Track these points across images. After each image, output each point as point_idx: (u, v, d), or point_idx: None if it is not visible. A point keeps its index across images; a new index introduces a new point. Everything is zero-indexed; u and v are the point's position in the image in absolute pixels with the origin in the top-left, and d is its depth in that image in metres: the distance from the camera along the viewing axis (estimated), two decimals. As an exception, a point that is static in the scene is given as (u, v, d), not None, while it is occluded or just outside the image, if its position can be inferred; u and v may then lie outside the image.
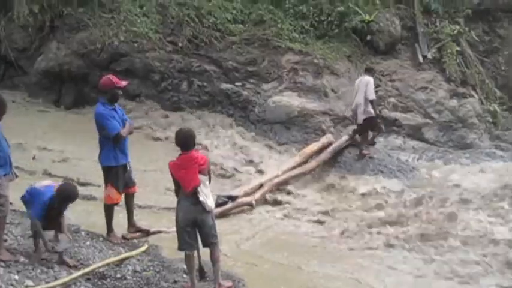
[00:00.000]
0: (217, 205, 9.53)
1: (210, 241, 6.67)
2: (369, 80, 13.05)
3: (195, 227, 6.56)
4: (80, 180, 10.41)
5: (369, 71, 13.86)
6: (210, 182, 6.82)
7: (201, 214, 6.49)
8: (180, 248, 6.60)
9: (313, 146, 12.75)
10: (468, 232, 9.10)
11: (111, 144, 7.76)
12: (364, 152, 12.73)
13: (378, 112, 13.34)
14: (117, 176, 7.87)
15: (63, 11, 16.63)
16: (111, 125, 7.72)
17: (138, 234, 8.24)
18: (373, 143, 13.63)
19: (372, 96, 12.80)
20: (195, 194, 6.44)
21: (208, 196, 6.56)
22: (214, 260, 6.67)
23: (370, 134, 13.26)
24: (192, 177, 6.47)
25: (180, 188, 6.59)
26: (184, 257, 6.60)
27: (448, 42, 16.71)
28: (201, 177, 6.51)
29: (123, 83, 8.06)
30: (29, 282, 5.92)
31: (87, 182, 10.47)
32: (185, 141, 6.65)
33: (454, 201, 10.57)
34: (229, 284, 6.83)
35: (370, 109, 12.81)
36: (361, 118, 12.85)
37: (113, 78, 8.03)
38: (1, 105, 6.41)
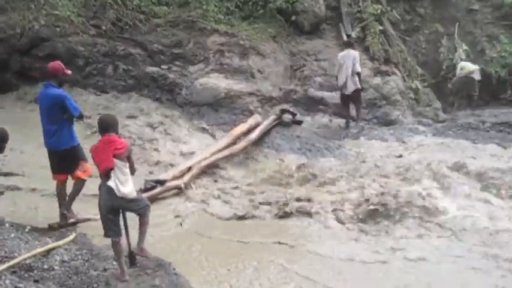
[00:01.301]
0: (146, 190, 9.55)
1: (140, 212, 6.76)
2: (356, 53, 14.58)
3: (115, 213, 6.55)
4: (1, 170, 10.13)
5: (351, 44, 14.91)
6: (133, 172, 6.80)
7: (116, 201, 6.47)
8: (105, 235, 6.60)
9: (242, 127, 12.83)
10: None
11: (69, 125, 8.15)
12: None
13: (363, 86, 14.71)
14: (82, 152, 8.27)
15: (-21, -6, 16.01)
16: (75, 105, 8.16)
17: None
18: (299, 122, 13.96)
19: (359, 69, 14.39)
20: (108, 178, 6.43)
21: (124, 183, 6.52)
22: (141, 223, 6.85)
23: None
24: (105, 159, 6.45)
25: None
26: (111, 244, 6.58)
27: (371, 21, 17.05)
28: (117, 161, 6.49)
29: (69, 71, 8.63)
30: None
31: (9, 172, 10.21)
32: (104, 125, 6.74)
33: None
34: (150, 255, 7.00)
35: (358, 82, 14.27)
36: (351, 90, 14.29)
37: (61, 64, 8.50)
38: None
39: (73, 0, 15.77)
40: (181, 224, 9.00)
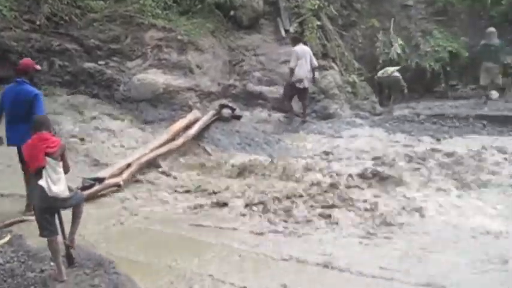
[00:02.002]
0: (84, 188, 9.40)
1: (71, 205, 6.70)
2: (309, 49, 15.11)
3: (52, 212, 6.46)
4: None
5: (300, 40, 15.34)
6: (67, 171, 6.71)
7: (49, 201, 6.38)
8: (41, 235, 6.49)
9: (181, 123, 12.79)
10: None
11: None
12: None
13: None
14: None
15: None
16: (42, 107, 8.45)
17: None
18: (238, 117, 14.07)
19: (316, 63, 15.13)
20: (40, 177, 6.34)
21: (56, 182, 6.41)
22: (75, 213, 6.81)
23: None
24: (37, 157, 6.35)
25: None
26: (48, 244, 6.48)
27: (308, 16, 17.22)
28: (49, 160, 6.39)
29: (38, 66, 9.11)
30: None
31: None
32: (36, 124, 6.66)
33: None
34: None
35: (313, 78, 15.13)
36: (305, 85, 14.82)
37: (31, 60, 8.97)
38: None
39: (5, -6, 15.34)
40: (121, 222, 8.91)
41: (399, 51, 18.76)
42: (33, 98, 8.39)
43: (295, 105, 15.25)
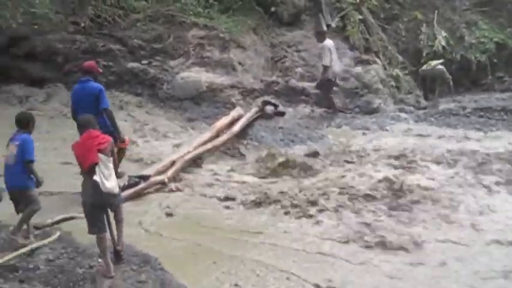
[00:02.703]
0: (129, 186, 9.52)
1: (114, 209, 6.77)
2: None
3: (102, 209, 6.55)
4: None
5: (325, 34, 15.15)
6: (117, 167, 6.83)
7: (101, 197, 6.47)
8: (90, 232, 6.58)
9: (224, 120, 12.83)
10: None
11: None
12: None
13: None
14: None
15: (-47, -7, 15.81)
16: (106, 99, 9.33)
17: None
18: (282, 114, 14.05)
19: None
20: (93, 173, 6.42)
21: (108, 177, 6.52)
22: (118, 220, 6.84)
23: None
24: (89, 154, 6.44)
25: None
26: (96, 241, 6.58)
27: (350, 11, 17.12)
28: (101, 156, 6.49)
29: (101, 70, 10.28)
30: None
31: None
32: (83, 123, 6.82)
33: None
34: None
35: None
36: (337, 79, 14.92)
37: (95, 63, 9.96)
38: None
39: (50, -3, 15.64)
40: (168, 214, 8.99)
41: (443, 43, 18.46)
42: (98, 92, 9.16)
43: (339, 100, 15.18)
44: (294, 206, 9.16)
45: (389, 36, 18.60)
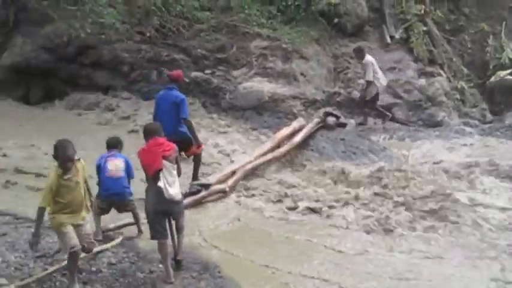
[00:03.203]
0: (191, 194, 9.61)
1: (176, 216, 6.85)
2: None
3: (164, 215, 6.63)
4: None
5: (363, 50, 14.84)
6: (179, 174, 6.92)
7: (165, 203, 6.55)
8: (152, 237, 6.68)
9: (285, 130, 12.79)
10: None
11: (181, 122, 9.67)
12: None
13: None
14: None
15: (27, 4, 16.36)
16: (186, 110, 9.82)
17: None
18: (343, 125, 13.94)
19: None
20: (157, 180, 6.51)
21: (171, 184, 6.63)
22: (179, 228, 6.93)
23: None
24: (154, 161, 6.54)
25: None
26: (158, 246, 6.65)
27: (414, 22, 16.89)
28: (165, 163, 6.60)
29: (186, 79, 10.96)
30: (3, 281, 5.91)
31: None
32: (148, 131, 6.98)
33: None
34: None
35: None
36: None
37: (181, 72, 10.47)
38: None
39: (118, 8, 16.00)
40: (228, 223, 9.04)
41: (511, 56, 17.94)
42: (180, 101, 9.64)
43: (402, 113, 14.98)
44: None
45: (454, 48, 18.23)
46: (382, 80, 14.54)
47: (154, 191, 6.55)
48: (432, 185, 10.14)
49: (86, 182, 6.44)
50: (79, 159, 6.28)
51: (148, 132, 6.95)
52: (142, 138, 7.15)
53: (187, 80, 11.05)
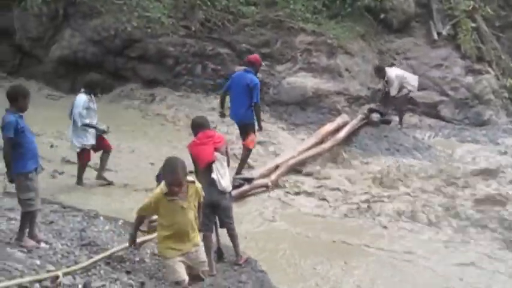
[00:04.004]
0: (234, 187, 9.61)
1: (225, 221, 6.83)
2: None
3: (212, 208, 6.66)
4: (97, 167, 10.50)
5: (383, 68, 14.32)
6: (228, 164, 6.95)
7: (216, 195, 6.59)
8: (199, 229, 6.69)
9: (329, 126, 12.75)
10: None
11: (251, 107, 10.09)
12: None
13: None
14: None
15: (75, -2, 16.67)
16: (258, 94, 10.11)
17: None
18: (388, 122, 13.83)
19: None
20: (209, 172, 6.54)
21: (223, 176, 6.71)
22: (232, 237, 7.02)
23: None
24: (206, 153, 6.56)
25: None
26: (202, 238, 6.68)
27: (462, 18, 16.52)
28: (217, 155, 6.66)
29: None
30: (50, 267, 6.02)
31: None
32: (197, 124, 6.99)
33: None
34: (246, 255, 7.24)
35: None
36: None
37: (259, 57, 11.00)
38: (26, 96, 6.55)
39: (163, 2, 16.14)
40: (270, 218, 9.05)
41: None
42: (253, 86, 10.00)
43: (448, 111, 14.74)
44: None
45: (503, 45, 17.79)
46: (412, 81, 14.12)
47: (208, 183, 6.56)
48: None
49: (198, 207, 5.77)
50: (193, 182, 5.59)
51: (197, 125, 6.98)
52: (189, 131, 7.20)
53: (263, 64, 12.03)
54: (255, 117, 10.16)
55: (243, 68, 10.95)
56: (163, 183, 5.40)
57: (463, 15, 16.53)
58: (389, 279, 7.27)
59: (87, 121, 9.48)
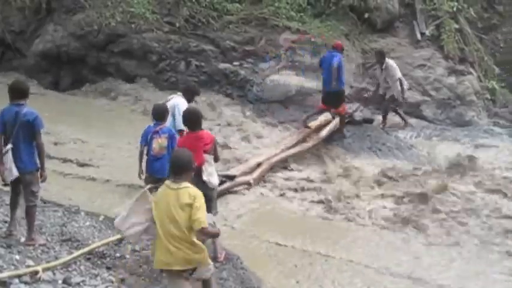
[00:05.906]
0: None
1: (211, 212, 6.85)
2: None
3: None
4: (79, 162, 10.45)
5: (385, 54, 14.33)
6: (217, 161, 7.23)
7: (205, 190, 6.58)
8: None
9: (312, 125, 12.75)
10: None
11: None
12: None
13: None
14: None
15: (59, -8, 16.56)
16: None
17: None
18: (370, 121, 13.90)
19: None
20: (199, 172, 6.57)
21: (212, 174, 6.81)
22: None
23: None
24: (196, 156, 6.55)
25: None
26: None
27: (446, 19, 16.62)
28: (205, 156, 6.69)
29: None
30: (30, 262, 5.99)
31: (86, 163, 10.52)
32: (192, 120, 6.88)
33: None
34: (224, 252, 7.20)
35: None
36: None
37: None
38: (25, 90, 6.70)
39: (148, -3, 16.09)
40: (250, 214, 9.06)
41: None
42: (338, 65, 12.49)
43: (430, 111, 14.81)
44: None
45: (486, 47, 17.99)
46: (404, 85, 14.13)
47: (195, 182, 6.54)
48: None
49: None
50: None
51: (193, 120, 6.99)
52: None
53: (346, 48, 13.83)
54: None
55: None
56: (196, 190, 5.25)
57: (447, 16, 16.63)
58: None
59: None
